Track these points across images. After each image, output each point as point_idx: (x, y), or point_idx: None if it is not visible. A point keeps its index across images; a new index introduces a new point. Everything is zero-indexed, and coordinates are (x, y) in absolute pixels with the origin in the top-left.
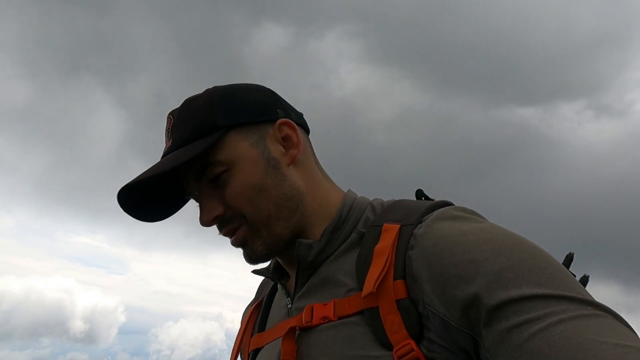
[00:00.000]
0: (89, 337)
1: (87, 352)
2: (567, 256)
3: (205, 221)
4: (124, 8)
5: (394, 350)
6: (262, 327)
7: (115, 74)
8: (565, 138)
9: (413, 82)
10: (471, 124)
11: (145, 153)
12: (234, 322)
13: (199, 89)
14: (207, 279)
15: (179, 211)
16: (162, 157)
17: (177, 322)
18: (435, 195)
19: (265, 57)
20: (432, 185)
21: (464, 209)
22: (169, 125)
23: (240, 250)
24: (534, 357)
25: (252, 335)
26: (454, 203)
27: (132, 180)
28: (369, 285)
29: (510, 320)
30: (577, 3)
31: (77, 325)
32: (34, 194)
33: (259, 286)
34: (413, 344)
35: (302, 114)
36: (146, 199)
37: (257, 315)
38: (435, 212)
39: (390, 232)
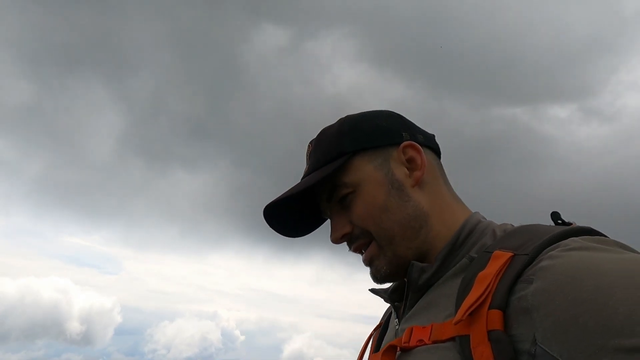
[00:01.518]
0: (86, 339)
1: (81, 353)
2: None
3: (334, 238)
4: (124, 7)
5: None
6: (378, 347)
7: (115, 73)
8: (554, 136)
9: (406, 80)
10: (461, 121)
11: (143, 152)
12: (229, 321)
13: (198, 89)
14: (202, 277)
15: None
16: (301, 179)
17: (173, 322)
18: None
19: (261, 56)
20: None
21: (604, 240)
22: (308, 152)
23: (235, 248)
24: None
25: (371, 354)
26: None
27: (273, 200)
28: (461, 311)
29: None
30: (572, 8)
31: (74, 326)
32: (25, 195)
33: (385, 310)
34: None
35: (434, 136)
36: (288, 217)
37: (377, 336)
38: (563, 242)
39: (499, 260)
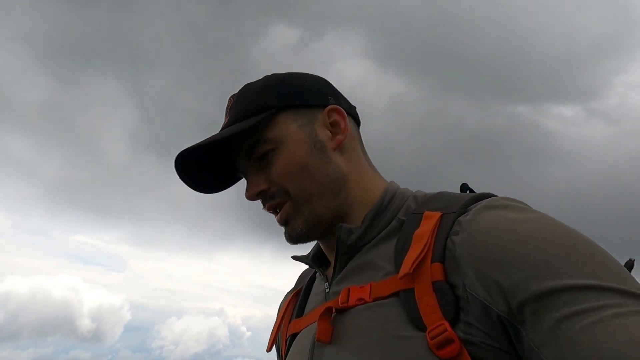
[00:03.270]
0: (96, 336)
1: (89, 350)
2: (626, 263)
3: (249, 195)
4: (139, 4)
5: (427, 330)
6: (300, 314)
7: (129, 70)
8: (558, 133)
9: (411, 77)
10: (466, 115)
11: (154, 150)
12: (235, 318)
13: (210, 86)
14: (208, 275)
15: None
16: (219, 131)
17: (180, 318)
18: (429, 179)
19: (271, 54)
20: (425, 171)
21: (513, 200)
22: (228, 105)
23: (242, 246)
24: (587, 350)
25: (290, 322)
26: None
27: (188, 147)
28: (406, 266)
29: (560, 311)
30: (583, 9)
31: (85, 324)
32: (41, 195)
33: (299, 277)
34: (447, 324)
35: (355, 107)
36: (201, 170)
37: (295, 303)
38: (484, 201)
39: (431, 219)
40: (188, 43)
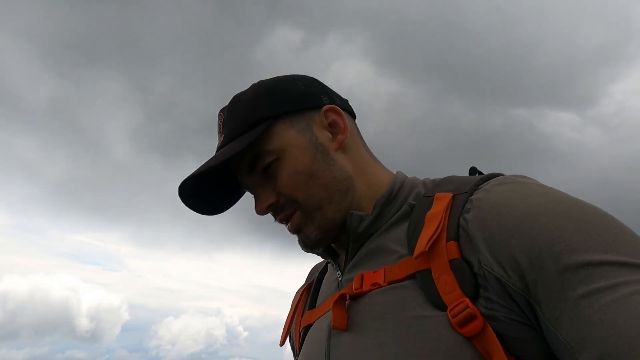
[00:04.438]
0: (94, 336)
1: (86, 350)
2: None
3: (259, 210)
4: (145, 5)
5: (448, 309)
6: (312, 305)
7: (133, 69)
8: (555, 135)
9: (410, 78)
10: (463, 116)
11: (157, 149)
12: (233, 317)
13: (212, 86)
14: (206, 275)
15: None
16: (216, 152)
17: (178, 318)
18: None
19: (273, 55)
20: (420, 169)
21: (524, 176)
22: (220, 122)
23: (242, 246)
24: (606, 331)
25: (302, 315)
26: None
27: (189, 175)
28: (421, 245)
29: (577, 289)
30: (583, 19)
31: (84, 324)
32: (35, 193)
33: (310, 272)
34: (468, 301)
35: (347, 100)
36: (205, 194)
37: (307, 296)
38: (494, 179)
39: (443, 200)
40: (192, 43)
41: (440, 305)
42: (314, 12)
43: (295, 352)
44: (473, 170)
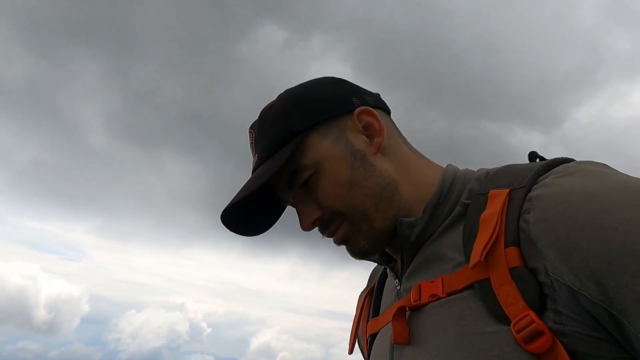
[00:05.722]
0: (51, 328)
1: (40, 342)
2: None
3: (305, 226)
4: None
5: (512, 323)
6: (376, 312)
7: (115, 53)
8: (520, 149)
9: (388, 86)
10: (435, 122)
11: (132, 137)
12: (197, 313)
13: (194, 79)
14: (171, 269)
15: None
16: (252, 173)
17: (141, 311)
18: None
19: (257, 52)
20: None
21: (591, 162)
22: (252, 140)
23: (212, 241)
24: None
25: (367, 321)
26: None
27: (229, 203)
28: (476, 254)
29: None
30: (557, 45)
31: (41, 314)
32: (11, 180)
33: (371, 273)
34: (533, 315)
35: (379, 95)
36: (247, 215)
37: (370, 301)
38: (555, 170)
39: (497, 198)
40: (178, 31)
41: (502, 319)
42: (300, 14)
43: (366, 358)
44: (533, 156)
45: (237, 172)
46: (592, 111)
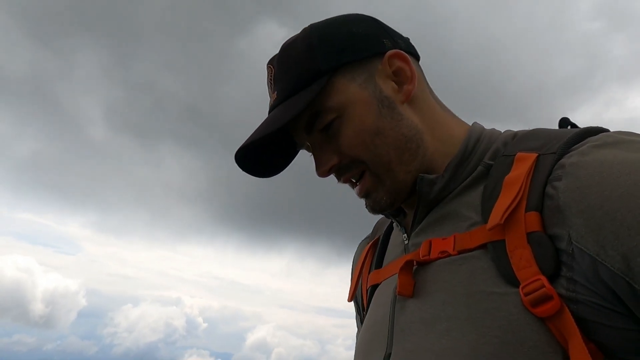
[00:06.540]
0: (48, 322)
1: (35, 335)
2: None
3: (321, 172)
4: None
5: (521, 286)
6: (379, 264)
7: (116, 46)
8: None
9: None
10: None
11: (129, 130)
12: (193, 308)
13: (194, 74)
14: (167, 264)
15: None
16: (269, 112)
17: (137, 306)
18: None
19: (257, 48)
20: None
21: (631, 133)
22: (271, 76)
23: (208, 237)
24: None
25: (369, 272)
26: None
27: (245, 142)
28: (496, 216)
29: None
30: (556, 51)
31: (38, 308)
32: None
33: (375, 225)
34: (544, 279)
35: (409, 39)
36: (259, 156)
37: (374, 253)
38: (592, 138)
39: (524, 162)
40: (178, 27)
41: (512, 281)
42: (300, 12)
43: (362, 309)
44: (564, 122)
45: (234, 168)
46: (588, 115)
